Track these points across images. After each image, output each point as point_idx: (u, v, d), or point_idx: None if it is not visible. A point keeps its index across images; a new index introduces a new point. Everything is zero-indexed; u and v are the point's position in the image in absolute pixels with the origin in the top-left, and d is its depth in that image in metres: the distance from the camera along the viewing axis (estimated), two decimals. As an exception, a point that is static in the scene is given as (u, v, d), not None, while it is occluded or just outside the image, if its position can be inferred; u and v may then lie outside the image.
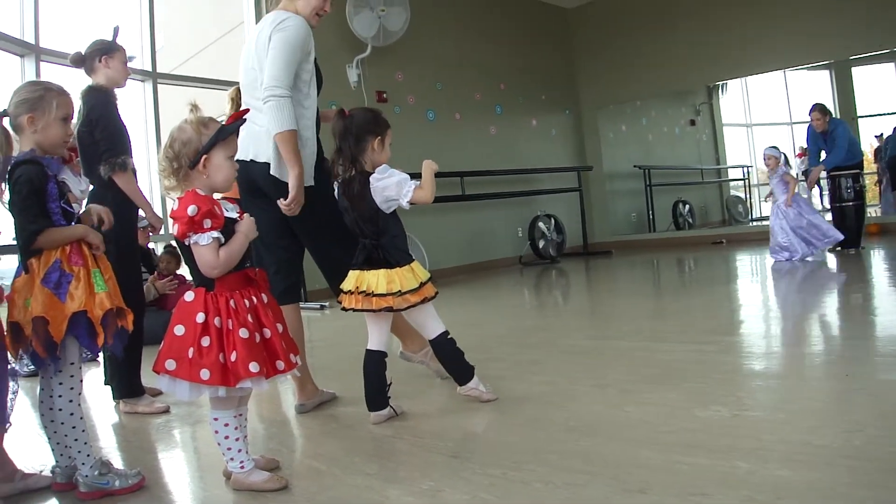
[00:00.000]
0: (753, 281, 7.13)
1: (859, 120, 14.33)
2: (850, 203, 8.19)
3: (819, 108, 8.76)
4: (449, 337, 3.13)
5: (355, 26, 8.79)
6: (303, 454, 2.89)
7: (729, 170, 17.72)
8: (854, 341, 3.91)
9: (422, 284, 3.00)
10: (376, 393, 3.05)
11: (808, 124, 8.90)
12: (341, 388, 3.64)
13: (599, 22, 12.81)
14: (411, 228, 8.93)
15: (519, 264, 11.03)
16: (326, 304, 7.50)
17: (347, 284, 3.04)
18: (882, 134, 14.39)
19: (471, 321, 5.89)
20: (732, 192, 17.29)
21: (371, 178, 2.98)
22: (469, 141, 10.70)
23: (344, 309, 3.05)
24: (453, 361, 3.17)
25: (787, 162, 8.31)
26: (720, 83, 16.56)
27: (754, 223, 15.63)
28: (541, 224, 10.95)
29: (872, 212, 13.35)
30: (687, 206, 15.09)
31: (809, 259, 7.78)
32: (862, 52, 11.46)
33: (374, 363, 3.06)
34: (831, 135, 8.57)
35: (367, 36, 8.92)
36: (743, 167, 17.42)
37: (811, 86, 18.58)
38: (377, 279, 2.95)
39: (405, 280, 2.96)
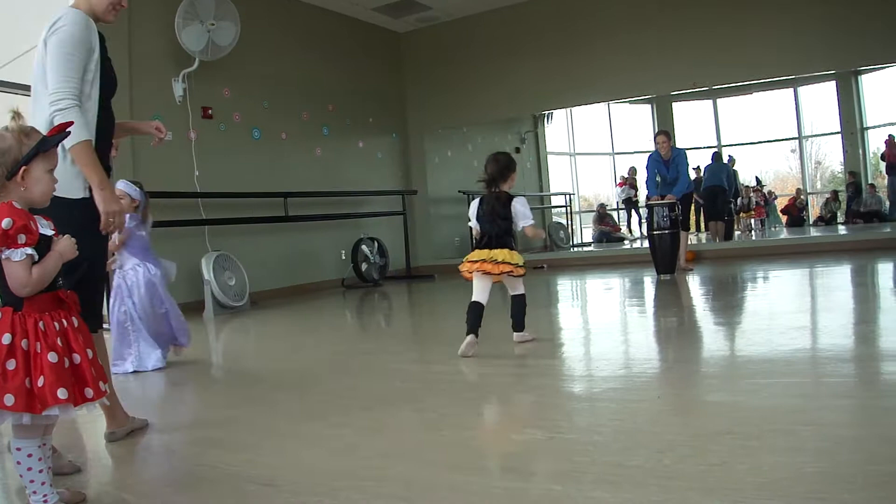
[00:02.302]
0: (574, 305, 7.39)
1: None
2: (666, 231, 8.58)
3: (665, 133, 9.22)
4: (525, 296, 4.75)
5: (183, 39, 8.53)
6: (112, 485, 2.75)
7: (552, 197, 18.34)
8: (668, 364, 4.14)
9: (521, 265, 4.56)
10: (474, 322, 4.47)
11: (650, 153, 9.31)
12: (153, 415, 3.52)
13: (430, 47, 13.00)
14: (231, 248, 8.78)
15: (342, 287, 10.93)
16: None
17: (476, 256, 4.55)
18: (699, 166, 15.34)
19: (292, 345, 5.86)
20: (555, 219, 17.88)
21: (515, 200, 4.61)
22: (294, 161, 10.57)
23: (467, 272, 4.58)
24: (520, 313, 4.74)
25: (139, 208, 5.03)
26: (546, 112, 17.18)
27: (575, 249, 16.19)
28: (364, 247, 10.94)
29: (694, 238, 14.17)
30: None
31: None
32: (680, 88, 12.09)
33: (476, 307, 4.51)
34: (673, 161, 9.01)
35: (196, 50, 8.67)
36: (565, 194, 18.06)
37: (634, 118, 19.65)
38: (503, 254, 4.50)
39: (516, 259, 4.53)
